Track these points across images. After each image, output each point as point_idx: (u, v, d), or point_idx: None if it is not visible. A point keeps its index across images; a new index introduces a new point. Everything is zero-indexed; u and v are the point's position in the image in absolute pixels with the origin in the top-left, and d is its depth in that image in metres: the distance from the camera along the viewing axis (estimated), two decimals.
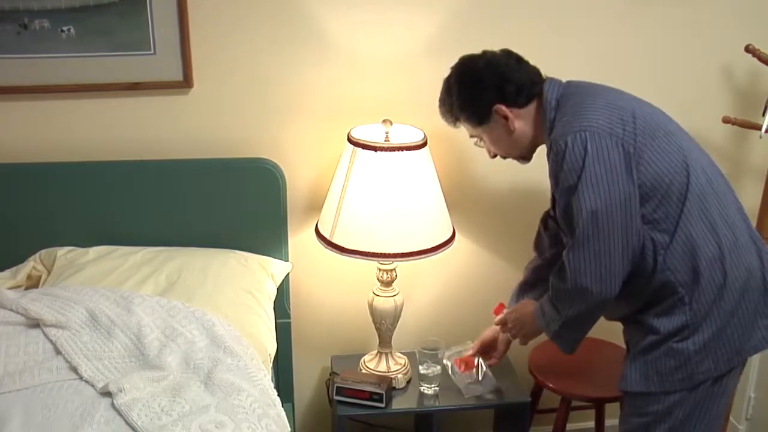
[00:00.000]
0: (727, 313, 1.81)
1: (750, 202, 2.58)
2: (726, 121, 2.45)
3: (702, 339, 1.81)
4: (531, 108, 1.94)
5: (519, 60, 1.96)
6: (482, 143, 2.06)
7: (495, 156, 2.07)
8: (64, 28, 2.23)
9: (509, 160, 2.08)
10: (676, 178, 1.79)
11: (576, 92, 1.89)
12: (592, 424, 2.54)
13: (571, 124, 1.78)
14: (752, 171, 2.66)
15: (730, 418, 2.75)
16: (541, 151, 1.99)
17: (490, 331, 2.35)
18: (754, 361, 2.77)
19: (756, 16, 2.45)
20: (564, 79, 1.97)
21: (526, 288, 2.29)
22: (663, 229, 1.79)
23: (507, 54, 1.97)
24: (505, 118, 1.93)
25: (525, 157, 2.04)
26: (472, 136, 2.06)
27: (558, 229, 2.07)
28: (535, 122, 1.94)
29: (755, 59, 2.35)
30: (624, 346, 2.07)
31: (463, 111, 1.98)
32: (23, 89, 2.28)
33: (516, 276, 2.33)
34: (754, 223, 2.47)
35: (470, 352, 2.37)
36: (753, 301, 1.84)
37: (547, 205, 2.17)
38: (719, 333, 1.82)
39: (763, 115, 2.37)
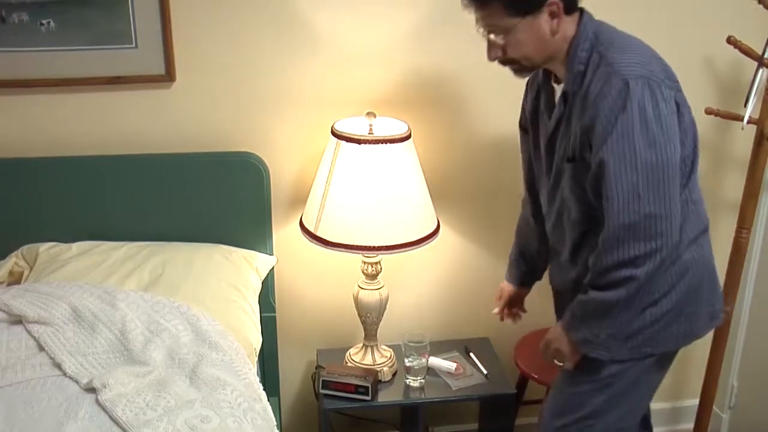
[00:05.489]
0: (689, 290, 1.80)
1: (733, 193, 2.60)
2: (708, 112, 2.46)
3: (659, 311, 1.79)
4: (571, 20, 1.75)
5: None
6: (488, 36, 1.75)
7: (495, 59, 1.78)
8: (44, 22, 2.20)
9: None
10: (691, 156, 1.76)
11: (614, 36, 1.76)
12: None
13: (630, 67, 1.66)
14: (735, 162, 2.67)
15: (713, 407, 2.77)
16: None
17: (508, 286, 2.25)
18: (737, 350, 2.79)
19: (737, 8, 2.46)
20: None
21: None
22: None
23: None
24: (553, 16, 1.71)
25: (534, 68, 1.81)
26: (487, 25, 1.75)
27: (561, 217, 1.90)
28: (572, 37, 1.75)
29: (737, 51, 2.36)
30: None
31: None
32: (2, 83, 2.25)
33: (500, 266, 2.33)
34: (736, 213, 2.49)
35: (496, 310, 2.29)
36: (709, 284, 1.85)
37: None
38: (678, 307, 1.80)
39: (745, 106, 2.38)
